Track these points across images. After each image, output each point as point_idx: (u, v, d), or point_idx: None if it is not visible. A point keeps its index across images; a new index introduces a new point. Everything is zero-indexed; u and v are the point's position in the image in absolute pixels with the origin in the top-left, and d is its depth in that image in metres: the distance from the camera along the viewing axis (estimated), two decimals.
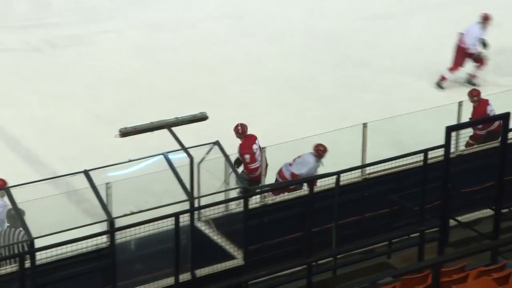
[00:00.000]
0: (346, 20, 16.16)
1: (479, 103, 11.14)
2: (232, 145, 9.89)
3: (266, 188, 9.85)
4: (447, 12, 16.40)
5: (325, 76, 14.10)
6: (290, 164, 10.15)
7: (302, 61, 14.63)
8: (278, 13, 16.52)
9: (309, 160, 10.13)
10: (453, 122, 10.16)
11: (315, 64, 14.50)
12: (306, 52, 14.93)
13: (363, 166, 9.54)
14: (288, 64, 14.53)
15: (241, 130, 10.33)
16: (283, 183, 9.97)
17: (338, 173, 8.92)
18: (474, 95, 11.22)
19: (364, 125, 9.81)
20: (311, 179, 9.16)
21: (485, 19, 13.85)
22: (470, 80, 13.85)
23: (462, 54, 13.75)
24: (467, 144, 10.52)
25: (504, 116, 9.34)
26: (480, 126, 10.87)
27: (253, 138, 10.34)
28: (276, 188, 9.87)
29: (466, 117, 10.52)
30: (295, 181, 9.94)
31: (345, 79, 13.98)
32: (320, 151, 10.08)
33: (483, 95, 11.21)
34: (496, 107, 10.80)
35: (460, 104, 10.50)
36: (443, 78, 13.81)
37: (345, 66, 14.41)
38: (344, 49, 15.01)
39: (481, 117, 10.96)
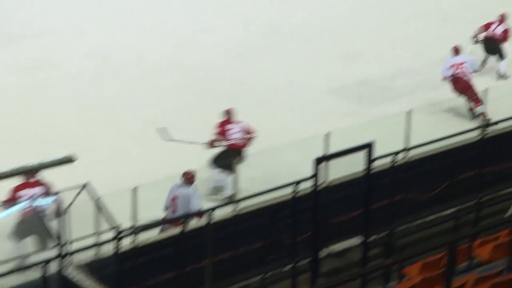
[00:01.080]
0: (215, 55, 16.32)
1: None
2: (101, 187, 9.76)
3: (140, 228, 9.78)
4: (313, 45, 16.83)
5: (196, 112, 14.14)
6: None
7: (172, 97, 14.64)
8: (147, 50, 16.52)
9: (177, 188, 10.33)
10: (321, 153, 10.39)
11: (185, 100, 14.54)
12: (174, 88, 14.96)
13: (234, 202, 9.62)
14: (157, 101, 14.50)
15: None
16: (155, 224, 9.95)
17: (210, 210, 8.95)
18: None
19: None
20: (185, 217, 9.19)
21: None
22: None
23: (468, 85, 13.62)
24: None
25: (368, 146, 9.65)
26: None
27: None
28: (152, 227, 9.85)
29: (333, 148, 10.75)
30: (168, 221, 9.95)
31: (213, 113, 14.05)
32: (188, 178, 10.30)
33: (346, 125, 11.55)
34: (360, 137, 11.10)
35: (327, 135, 10.76)
36: (481, 114, 13.34)
37: (214, 102, 14.48)
38: (213, 84, 15.14)
39: None
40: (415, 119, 11.44)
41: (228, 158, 11.43)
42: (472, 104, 13.46)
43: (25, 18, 17.79)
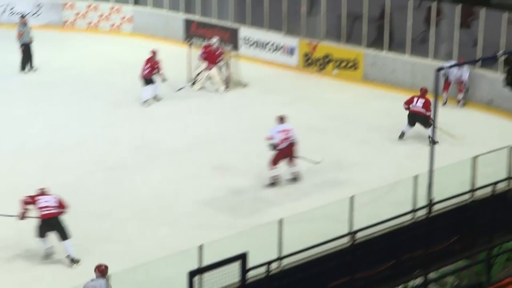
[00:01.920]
0: (83, 173, 16.13)
1: None
2: None
3: None
4: (180, 157, 16.94)
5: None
6: None
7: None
8: (10, 170, 16.17)
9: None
10: (195, 266, 10.32)
11: None
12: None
13: None
14: (22, 224, 14.07)
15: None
16: None
17: None
18: None
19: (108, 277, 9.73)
20: None
21: None
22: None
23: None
24: None
25: (241, 256, 9.66)
26: None
27: None
28: None
29: (207, 260, 10.66)
30: None
31: (85, 233, 13.78)
32: (101, 270, 11.06)
33: (219, 237, 11.55)
34: (234, 248, 11.13)
35: (200, 247, 10.72)
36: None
37: (84, 219, 14.22)
38: (83, 201, 14.87)
39: None
40: (287, 228, 11.59)
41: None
42: (294, 169, 15.60)
43: None
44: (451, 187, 13.58)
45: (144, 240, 13.65)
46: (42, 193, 13.08)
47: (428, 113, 17.18)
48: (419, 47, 21.17)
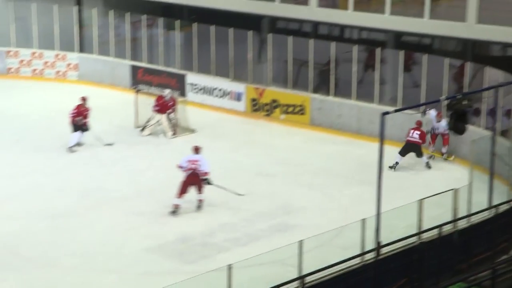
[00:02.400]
0: (27, 222, 15.83)
1: None
2: None
3: None
4: (127, 204, 16.78)
5: (8, 283, 13.50)
6: None
7: None
8: None
9: None
10: None
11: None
12: None
13: None
14: None
15: None
16: None
17: None
18: None
19: None
20: None
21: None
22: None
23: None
24: None
25: None
26: None
27: None
28: None
29: None
30: None
31: (29, 283, 13.50)
32: None
33: (166, 284, 11.41)
34: None
35: None
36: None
37: (29, 269, 13.94)
38: (27, 251, 14.60)
39: None
40: (236, 273, 11.50)
41: None
42: (200, 196, 16.34)
43: None
44: (398, 230, 13.67)
45: None
46: None
47: (423, 143, 19.06)
48: (364, 92, 21.46)
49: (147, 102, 21.54)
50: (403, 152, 19.05)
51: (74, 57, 26.49)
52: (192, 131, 21.60)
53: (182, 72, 24.59)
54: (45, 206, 16.59)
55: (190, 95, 23.96)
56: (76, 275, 13.85)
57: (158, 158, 19.81)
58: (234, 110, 23.38)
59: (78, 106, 20.06)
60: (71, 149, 19.79)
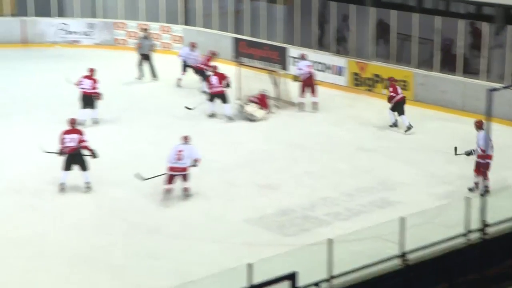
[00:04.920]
0: (132, 189, 16.19)
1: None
2: None
3: None
4: (229, 175, 16.88)
5: (115, 246, 13.89)
6: None
7: (91, 232, 14.39)
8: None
9: None
10: (243, 284, 10.28)
11: (104, 235, 14.29)
12: (94, 223, 14.73)
13: None
14: (76, 236, 14.22)
15: None
16: None
17: None
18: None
19: None
20: None
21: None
22: None
23: None
24: None
25: (291, 276, 9.59)
26: None
27: None
28: None
29: (256, 279, 10.61)
30: None
31: (136, 248, 13.85)
32: None
33: (268, 255, 11.48)
34: (283, 267, 11.06)
35: (249, 266, 10.66)
36: None
37: (135, 235, 14.30)
38: (132, 217, 14.97)
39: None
40: (336, 248, 11.47)
41: None
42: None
43: None
44: (506, 210, 13.33)
45: (191, 257, 13.65)
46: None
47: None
48: (471, 68, 20.97)
49: (248, 74, 21.63)
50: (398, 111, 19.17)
51: (178, 29, 26.84)
52: (293, 104, 21.59)
53: (283, 45, 24.56)
54: (149, 174, 16.88)
55: (292, 69, 23.94)
56: (178, 243, 14.11)
57: (259, 130, 19.90)
58: (336, 84, 23.24)
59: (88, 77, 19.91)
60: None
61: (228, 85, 20.49)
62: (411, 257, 11.72)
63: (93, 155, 16.01)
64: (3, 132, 19.36)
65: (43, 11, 27.48)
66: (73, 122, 16.25)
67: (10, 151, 18.11)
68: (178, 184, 15.76)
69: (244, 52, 25.34)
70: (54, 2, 27.50)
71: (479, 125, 15.84)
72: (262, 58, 24.60)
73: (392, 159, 17.90)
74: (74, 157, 15.83)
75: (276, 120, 20.64)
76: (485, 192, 14.93)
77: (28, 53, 24.39)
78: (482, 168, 15.47)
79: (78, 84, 19.84)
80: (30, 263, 13.27)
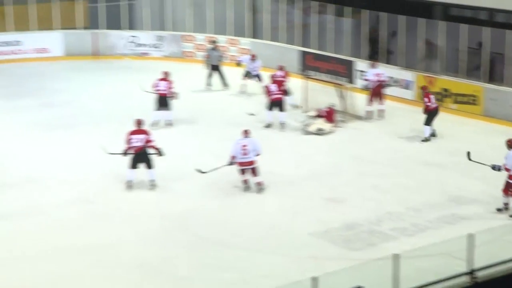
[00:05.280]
0: (199, 201, 16.34)
1: None
2: None
3: None
4: (295, 188, 16.93)
5: (181, 258, 14.02)
6: None
7: (157, 243, 14.55)
8: (130, 196, 16.54)
9: None
10: None
11: (171, 246, 14.44)
12: (160, 235, 14.88)
13: None
14: (142, 247, 14.40)
15: None
16: None
17: None
18: None
19: None
20: None
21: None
22: None
23: None
24: None
25: None
26: None
27: None
28: None
29: None
30: None
31: (202, 260, 13.96)
32: None
33: (333, 269, 11.44)
34: (349, 281, 11.02)
35: (314, 279, 10.65)
36: None
37: (201, 247, 14.42)
38: (198, 229, 15.09)
39: None
40: (402, 263, 11.38)
41: None
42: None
43: (11, 167, 17.93)
44: None
45: (257, 269, 13.68)
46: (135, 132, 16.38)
47: None
48: None
49: (315, 87, 21.64)
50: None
51: (246, 42, 27.03)
52: (360, 118, 21.52)
53: (351, 58, 24.51)
54: (216, 187, 17.02)
55: (358, 82, 23.86)
56: (244, 255, 14.16)
57: (326, 143, 19.87)
58: (403, 98, 23.08)
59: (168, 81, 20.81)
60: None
61: (286, 93, 20.64)
62: (480, 274, 11.56)
63: (159, 153, 16.51)
64: (73, 142, 19.73)
65: (114, 24, 28.02)
66: (139, 122, 16.76)
67: (79, 161, 18.45)
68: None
69: (310, 65, 25.37)
70: (125, 15, 28.01)
71: (510, 144, 15.63)
72: (329, 71, 24.60)
73: (460, 174, 17.67)
74: (140, 156, 16.37)
75: (343, 133, 20.59)
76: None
77: (98, 65, 24.89)
78: (511, 189, 15.28)
79: (154, 86, 20.65)
80: (98, 272, 13.47)
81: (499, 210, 15.59)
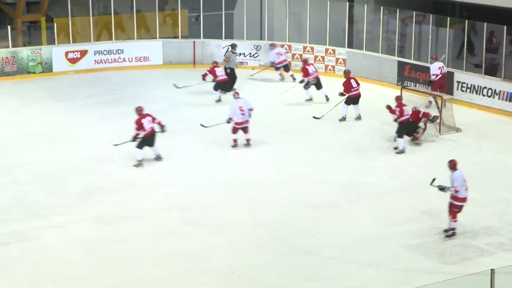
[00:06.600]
0: (291, 209, 16.32)
1: None
2: None
3: None
4: (387, 200, 16.73)
5: (272, 266, 14.01)
6: None
7: (248, 251, 14.59)
8: (222, 204, 16.65)
9: None
10: None
11: (263, 254, 14.46)
12: (252, 242, 14.92)
13: None
14: (234, 254, 14.47)
15: None
16: None
17: None
18: None
19: None
20: None
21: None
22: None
23: None
24: None
25: None
26: None
27: None
28: None
29: None
30: None
31: (292, 269, 13.92)
32: None
33: (427, 282, 11.21)
34: None
35: None
36: None
37: (292, 256, 14.39)
38: (290, 238, 15.06)
39: None
40: (499, 279, 11.07)
41: None
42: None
43: (108, 172, 18.33)
44: None
45: (348, 280, 13.57)
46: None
47: None
48: None
49: (411, 99, 21.32)
50: None
51: (343, 52, 26.89)
52: (457, 130, 21.08)
53: (450, 69, 24.07)
54: (308, 196, 16.99)
55: (458, 94, 23.39)
56: (335, 265, 14.07)
57: (421, 155, 19.54)
58: (504, 110, 22.49)
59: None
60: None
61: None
62: None
63: (163, 129, 18.48)
64: (170, 148, 20.02)
65: (213, 33, 28.36)
66: (139, 109, 18.46)
67: (175, 168, 18.69)
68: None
69: (408, 76, 25.02)
70: (225, 25, 28.33)
71: (452, 166, 15.06)
72: (426, 82, 24.20)
73: None
74: (151, 137, 18.33)
75: (439, 145, 20.21)
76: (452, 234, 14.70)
77: (197, 73, 25.09)
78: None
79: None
80: (190, 278, 13.61)
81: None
